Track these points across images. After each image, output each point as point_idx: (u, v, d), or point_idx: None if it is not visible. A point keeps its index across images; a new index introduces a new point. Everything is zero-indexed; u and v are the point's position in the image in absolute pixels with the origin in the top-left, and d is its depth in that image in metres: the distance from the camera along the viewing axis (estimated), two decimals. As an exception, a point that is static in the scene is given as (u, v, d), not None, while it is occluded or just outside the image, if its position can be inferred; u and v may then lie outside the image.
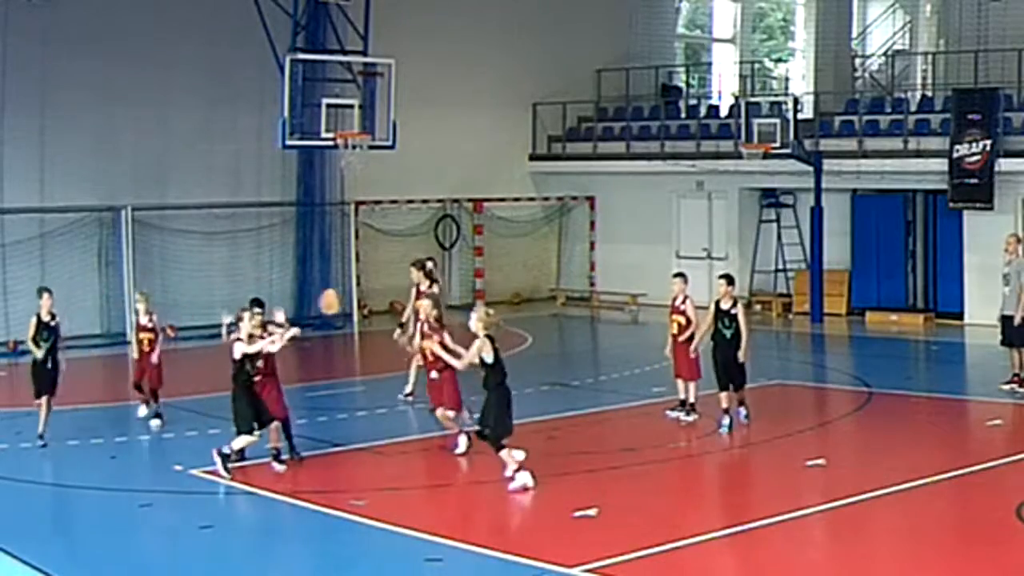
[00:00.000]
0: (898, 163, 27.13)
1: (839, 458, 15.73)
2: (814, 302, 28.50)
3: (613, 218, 32.65)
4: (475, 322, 14.08)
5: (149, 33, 25.92)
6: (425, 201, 30.88)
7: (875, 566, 11.58)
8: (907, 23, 35.57)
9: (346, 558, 12.25)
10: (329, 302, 17.56)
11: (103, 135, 25.87)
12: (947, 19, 32.63)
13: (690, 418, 17.45)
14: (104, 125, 25.80)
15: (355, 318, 28.38)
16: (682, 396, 17.64)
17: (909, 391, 19.93)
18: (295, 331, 15.13)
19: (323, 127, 23.34)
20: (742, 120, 27.72)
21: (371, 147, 23.88)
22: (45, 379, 16.26)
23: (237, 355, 14.53)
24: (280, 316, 15.38)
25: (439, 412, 15.76)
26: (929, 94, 29.85)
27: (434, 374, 15.70)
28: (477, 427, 14.28)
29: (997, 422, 17.42)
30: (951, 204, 26.49)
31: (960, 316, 26.89)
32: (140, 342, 17.73)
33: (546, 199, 33.34)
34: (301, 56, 23.46)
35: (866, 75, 33.88)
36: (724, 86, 35.52)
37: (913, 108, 28.63)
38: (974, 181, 25.91)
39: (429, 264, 19.03)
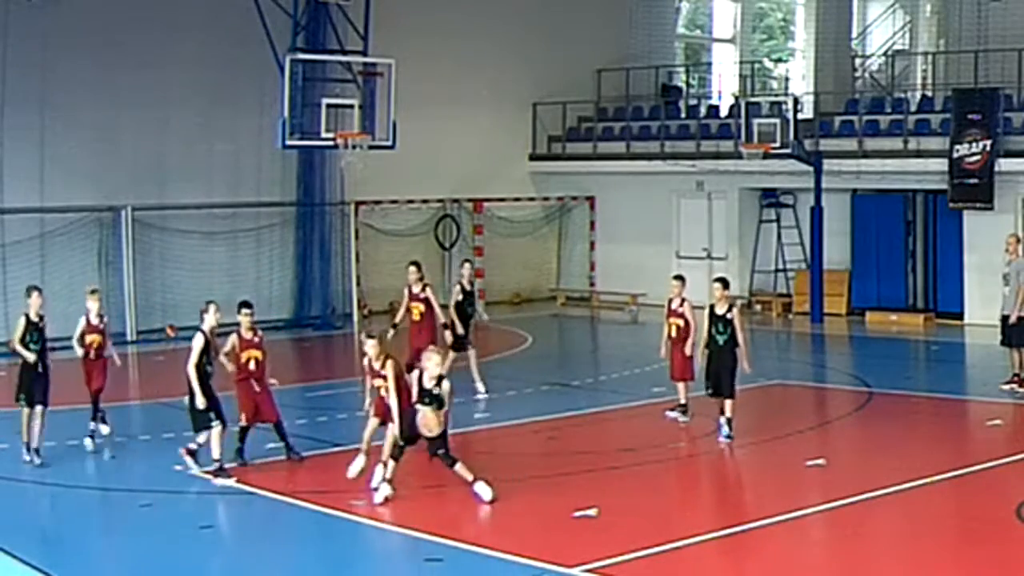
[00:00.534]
0: (898, 163, 27.13)
1: (839, 458, 15.74)
2: (814, 302, 28.49)
3: (613, 218, 32.64)
4: (435, 367, 13.35)
5: (149, 33, 25.90)
6: (425, 201, 30.87)
7: (875, 566, 11.59)
8: (907, 23, 35.55)
9: (346, 558, 12.25)
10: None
11: (103, 135, 25.86)
12: (947, 19, 32.58)
13: (686, 418, 17.43)
14: (104, 125, 25.80)
15: (355, 318, 28.40)
16: (682, 399, 17.64)
17: (909, 391, 19.92)
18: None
19: (323, 127, 23.31)
20: (742, 120, 27.71)
21: (371, 147, 23.85)
22: (40, 387, 15.26)
23: (194, 348, 14.63)
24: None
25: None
26: (929, 94, 29.86)
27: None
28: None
29: (997, 422, 17.42)
30: (951, 204, 26.49)
31: (960, 316, 26.89)
32: (88, 345, 16.09)
33: (546, 199, 33.33)
34: (301, 56, 23.43)
35: (866, 75, 33.84)
36: (724, 86, 35.55)
37: (913, 108, 28.64)
38: (974, 181, 25.91)
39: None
